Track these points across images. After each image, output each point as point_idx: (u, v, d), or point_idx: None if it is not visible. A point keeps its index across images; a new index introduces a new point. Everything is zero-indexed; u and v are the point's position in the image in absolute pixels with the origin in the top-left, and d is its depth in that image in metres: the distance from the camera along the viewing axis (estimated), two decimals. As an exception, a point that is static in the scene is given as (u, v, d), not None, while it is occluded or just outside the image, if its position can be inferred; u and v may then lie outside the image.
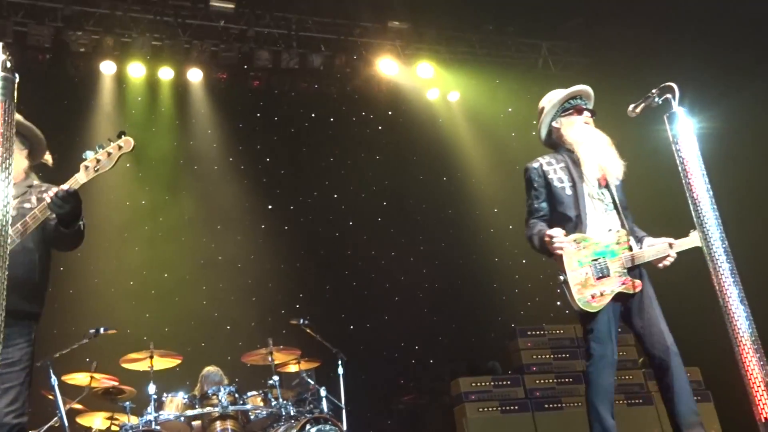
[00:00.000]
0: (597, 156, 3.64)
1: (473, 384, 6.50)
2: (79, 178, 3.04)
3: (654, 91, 3.26)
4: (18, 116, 3.30)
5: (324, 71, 8.02)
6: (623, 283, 3.48)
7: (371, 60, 8.13)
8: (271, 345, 5.55)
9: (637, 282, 3.49)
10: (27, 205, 3.15)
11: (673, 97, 3.12)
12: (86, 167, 3.05)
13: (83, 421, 5.35)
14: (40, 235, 3.10)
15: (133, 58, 7.35)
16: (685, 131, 3.02)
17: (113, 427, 5.27)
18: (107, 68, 7.34)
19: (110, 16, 7.11)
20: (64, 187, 2.98)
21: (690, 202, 2.92)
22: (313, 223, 8.17)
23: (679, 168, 2.99)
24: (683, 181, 2.98)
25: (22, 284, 3.00)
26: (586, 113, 3.74)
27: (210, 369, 5.81)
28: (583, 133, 3.69)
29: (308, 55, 7.84)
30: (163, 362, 5.40)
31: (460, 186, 8.58)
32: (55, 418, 4.89)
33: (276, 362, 5.59)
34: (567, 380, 6.68)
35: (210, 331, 7.08)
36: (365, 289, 8.06)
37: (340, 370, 5.92)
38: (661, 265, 3.55)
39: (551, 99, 3.84)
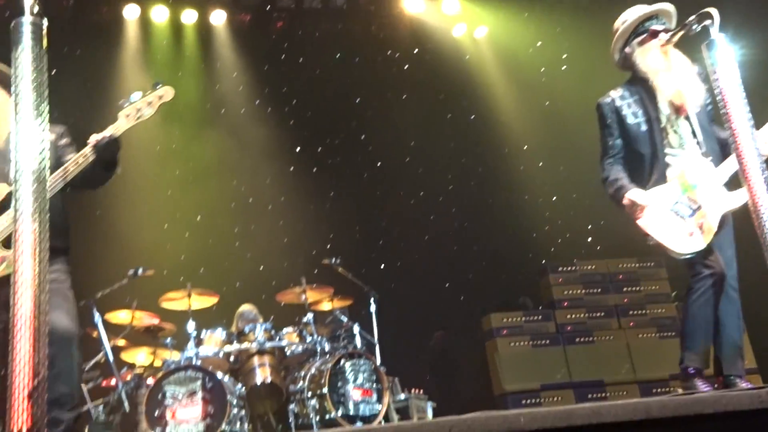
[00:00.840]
0: (673, 85, 3.44)
1: (504, 319, 6.60)
2: (120, 126, 3.12)
3: (691, 18, 3.14)
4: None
5: (347, 10, 7.90)
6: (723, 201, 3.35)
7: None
8: (304, 283, 5.67)
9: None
10: None
11: (713, 24, 2.99)
12: (127, 115, 3.13)
13: (127, 356, 5.59)
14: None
15: (156, 1, 7.31)
16: (725, 60, 2.92)
17: (156, 362, 5.50)
18: (130, 12, 7.31)
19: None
20: (107, 133, 3.06)
21: (730, 134, 2.86)
22: (341, 164, 8.18)
23: (718, 100, 2.92)
24: (722, 113, 2.91)
25: (51, 224, 3.14)
26: (663, 35, 3.45)
27: (246, 307, 5.97)
28: (657, 61, 3.48)
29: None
30: (200, 301, 5.57)
31: (488, 124, 8.47)
32: (101, 354, 5.11)
33: (309, 301, 5.71)
34: (599, 314, 6.74)
35: (244, 271, 7.22)
36: (395, 229, 8.12)
37: (372, 308, 6.05)
38: None
39: (625, 20, 3.60)
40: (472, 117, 8.51)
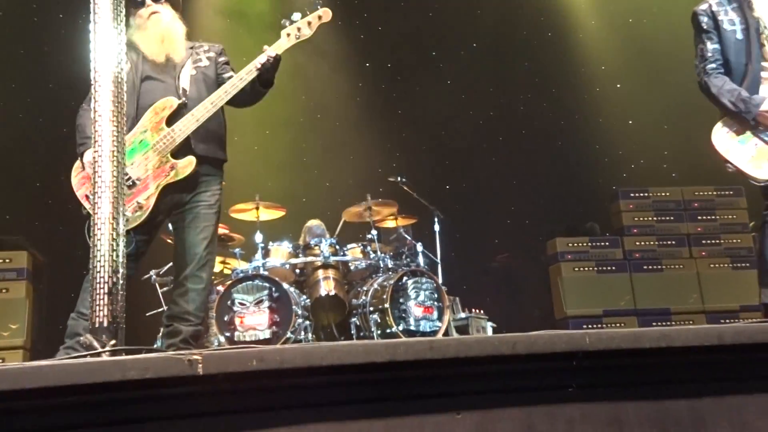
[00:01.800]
0: None
1: (570, 244, 6.55)
2: (282, 44, 3.29)
3: None
4: None
5: None
6: None
7: None
8: (369, 200, 5.72)
9: None
10: (201, 65, 3.44)
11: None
12: (288, 34, 3.30)
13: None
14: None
15: None
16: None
17: (225, 270, 5.71)
18: None
19: None
20: (271, 53, 3.25)
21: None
22: (410, 81, 8.06)
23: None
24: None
25: (214, 134, 3.41)
26: None
27: (313, 222, 6.08)
28: None
29: None
30: (268, 213, 5.71)
31: (565, 42, 8.13)
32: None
33: (374, 217, 5.78)
34: (669, 243, 6.59)
35: (310, 187, 7.32)
36: (462, 149, 8.02)
37: (436, 227, 6.09)
38: None
39: None
40: (549, 34, 8.18)
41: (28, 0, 6.74)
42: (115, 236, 2.32)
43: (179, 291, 3.28)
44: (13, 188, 5.96)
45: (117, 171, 2.37)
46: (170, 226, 3.48)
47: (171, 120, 3.21)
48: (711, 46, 3.32)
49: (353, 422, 1.63)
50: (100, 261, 2.30)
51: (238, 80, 3.24)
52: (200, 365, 1.57)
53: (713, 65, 3.31)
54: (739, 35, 3.28)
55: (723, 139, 3.23)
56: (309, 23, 3.31)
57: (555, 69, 8.15)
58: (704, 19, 3.35)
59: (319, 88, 7.81)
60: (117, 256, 2.32)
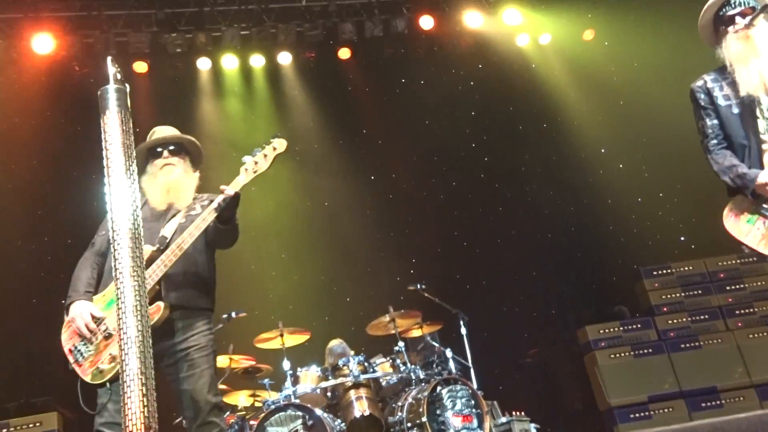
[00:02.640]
0: (752, 75, 3.24)
1: (601, 331, 6.41)
2: (240, 180, 3.29)
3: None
4: (175, 131, 3.58)
5: (408, 34, 7.95)
6: None
7: (455, 15, 7.97)
8: (392, 311, 5.67)
9: None
10: (193, 213, 3.42)
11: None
12: (246, 170, 3.31)
13: (228, 399, 5.71)
14: (205, 237, 3.33)
15: (225, 51, 7.58)
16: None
17: (256, 403, 5.59)
18: (203, 64, 7.63)
19: (199, 13, 7.35)
20: (230, 191, 3.22)
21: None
22: (416, 188, 8.20)
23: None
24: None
25: (194, 283, 3.34)
26: (739, 20, 3.25)
27: (334, 342, 6.01)
28: (733, 51, 3.29)
29: (391, 20, 7.79)
30: (293, 339, 5.65)
31: (562, 131, 8.31)
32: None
33: (399, 328, 5.71)
34: (702, 317, 6.44)
35: (332, 304, 7.31)
36: (477, 247, 8.04)
37: (463, 330, 6.00)
38: None
39: (702, 17, 3.42)
40: (544, 125, 8.37)
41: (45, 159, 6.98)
42: (145, 391, 2.28)
43: None
44: (39, 345, 5.97)
45: (142, 325, 2.36)
46: (167, 377, 3.29)
47: (148, 266, 3.15)
48: (710, 122, 3.33)
49: None
50: (131, 419, 2.24)
51: (201, 221, 3.21)
52: None
53: (714, 141, 3.31)
54: (735, 110, 3.28)
55: (733, 222, 3.20)
56: (265, 156, 3.33)
57: (556, 157, 8.30)
58: (701, 96, 3.37)
59: (328, 208, 7.94)
60: (148, 412, 2.26)
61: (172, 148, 3.47)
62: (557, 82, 8.41)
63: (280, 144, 3.36)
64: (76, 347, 3.19)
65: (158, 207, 3.38)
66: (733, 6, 3.31)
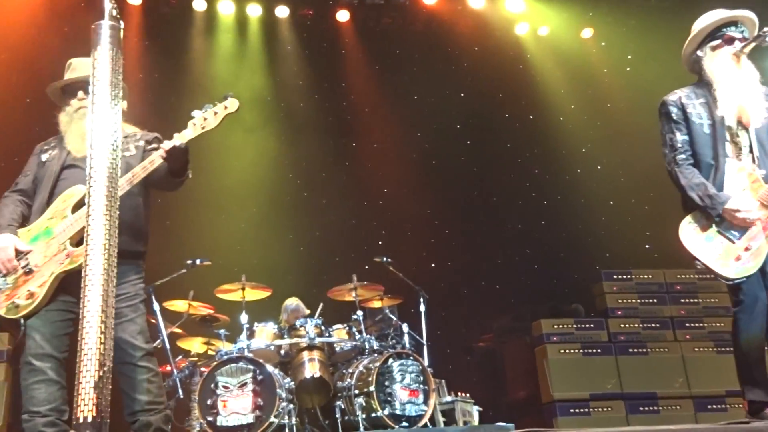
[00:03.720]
0: (736, 96, 3.32)
1: (555, 326, 6.56)
2: (187, 134, 3.26)
3: (766, 29, 3.07)
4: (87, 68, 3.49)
5: (410, 5, 7.89)
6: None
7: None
8: (355, 281, 5.71)
9: None
10: (127, 153, 3.38)
11: (789, 37, 2.92)
12: (194, 124, 3.27)
13: (183, 344, 5.74)
14: (143, 180, 3.28)
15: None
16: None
17: (210, 352, 5.63)
18: (199, 5, 7.47)
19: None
20: (177, 143, 3.19)
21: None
22: (396, 161, 8.19)
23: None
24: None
25: (129, 226, 3.28)
26: (738, 43, 3.34)
27: (290, 300, 6.06)
28: (725, 69, 3.36)
29: (394, -12, 7.73)
30: (254, 294, 5.65)
31: (547, 124, 8.36)
32: (158, 341, 5.25)
33: (360, 298, 5.75)
34: (654, 325, 6.64)
35: (297, 265, 7.31)
36: (447, 228, 8.11)
37: (422, 308, 6.05)
38: None
39: (702, 22, 3.48)
40: (531, 117, 8.42)
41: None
42: (104, 329, 2.30)
43: (130, 385, 3.16)
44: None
45: (108, 264, 2.37)
46: None
47: (77, 207, 3.16)
48: (680, 137, 3.38)
49: None
50: (87, 354, 2.26)
51: (141, 169, 3.20)
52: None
53: (683, 156, 3.36)
54: (706, 129, 3.35)
55: (690, 235, 3.26)
56: (215, 113, 3.29)
57: (537, 150, 8.36)
58: (674, 110, 3.42)
59: (305, 169, 7.91)
60: (104, 349, 2.28)
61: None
62: (550, 75, 8.43)
63: (232, 104, 3.33)
64: None
65: (77, 154, 3.31)
66: (738, 29, 3.41)
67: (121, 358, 3.15)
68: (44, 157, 3.42)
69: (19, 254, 3.15)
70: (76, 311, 3.20)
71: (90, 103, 2.48)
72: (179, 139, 3.22)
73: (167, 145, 3.19)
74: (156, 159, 3.21)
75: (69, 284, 3.11)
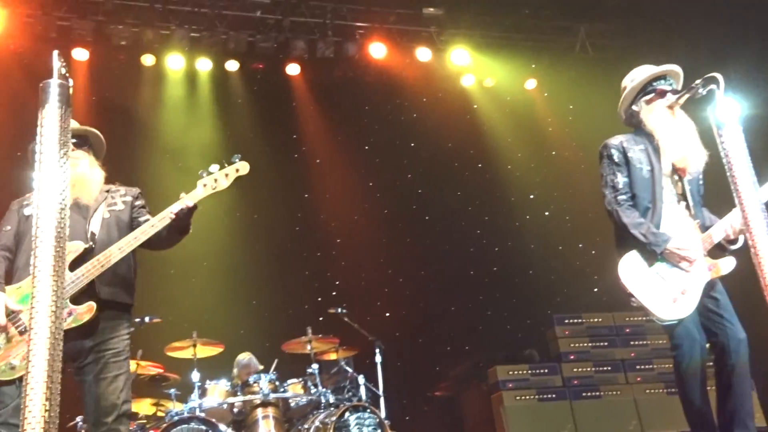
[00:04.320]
0: (678, 147, 3.44)
1: (510, 372, 6.56)
2: (197, 194, 3.28)
3: (698, 81, 3.20)
4: (77, 124, 3.48)
5: (359, 59, 8.05)
6: (709, 269, 3.33)
7: (406, 47, 8.13)
8: (310, 334, 5.67)
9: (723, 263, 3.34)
10: (115, 208, 3.41)
11: (718, 87, 3.05)
12: (204, 185, 3.31)
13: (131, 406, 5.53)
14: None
15: (172, 50, 7.49)
16: (731, 123, 2.97)
17: (159, 413, 5.44)
18: (147, 60, 7.47)
19: (150, 9, 7.22)
20: (189, 203, 3.22)
21: (734, 193, 2.89)
22: (347, 211, 8.23)
23: (723, 159, 2.96)
24: (727, 172, 2.94)
25: (122, 279, 3.31)
26: (670, 96, 3.47)
27: (242, 355, 5.96)
28: (664, 121, 3.47)
29: (343, 43, 7.88)
30: (205, 350, 5.55)
31: (495, 173, 8.55)
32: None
33: (315, 350, 5.71)
34: (606, 368, 6.70)
35: (249, 319, 7.21)
36: (400, 277, 8.13)
37: (378, 358, 6.01)
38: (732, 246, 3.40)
39: (633, 79, 3.62)
40: (479, 165, 8.59)
41: None
42: (50, 395, 2.22)
43: None
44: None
45: (55, 327, 2.30)
46: (75, 377, 3.22)
47: (75, 264, 3.13)
48: (622, 179, 3.45)
49: None
50: (31, 423, 2.17)
51: (150, 227, 3.21)
52: None
53: (624, 197, 3.43)
54: (645, 174, 3.45)
55: (630, 272, 3.31)
56: (226, 175, 3.34)
57: (487, 198, 8.52)
58: (616, 153, 3.51)
59: (257, 221, 7.86)
60: (49, 417, 2.19)
61: (74, 141, 3.33)
62: (496, 125, 8.66)
63: (243, 167, 3.38)
64: None
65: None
66: (667, 82, 3.56)
67: (94, 415, 3.11)
68: (26, 211, 3.35)
69: (10, 314, 3.06)
70: (68, 370, 3.15)
71: (38, 162, 2.44)
72: (190, 199, 3.23)
73: (176, 207, 3.20)
74: (166, 218, 3.20)
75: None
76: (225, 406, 5.22)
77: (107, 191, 3.45)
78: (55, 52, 2.48)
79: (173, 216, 3.20)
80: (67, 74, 2.49)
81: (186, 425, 4.73)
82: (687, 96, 3.43)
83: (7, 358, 3.03)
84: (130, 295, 3.36)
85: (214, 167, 3.33)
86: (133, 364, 5.35)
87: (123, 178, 3.61)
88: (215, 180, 3.32)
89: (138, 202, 3.48)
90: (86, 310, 3.08)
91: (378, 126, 8.40)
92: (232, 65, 7.81)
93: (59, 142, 2.42)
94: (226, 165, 3.36)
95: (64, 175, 2.44)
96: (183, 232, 3.34)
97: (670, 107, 3.50)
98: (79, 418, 5.00)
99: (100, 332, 3.17)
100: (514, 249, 8.36)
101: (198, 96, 7.92)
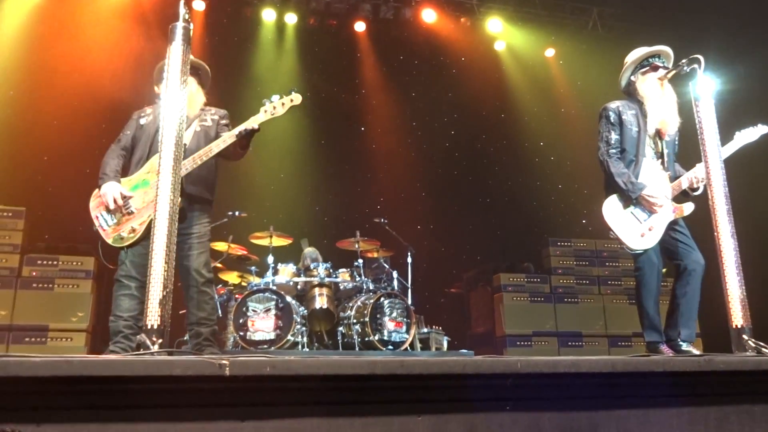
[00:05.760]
0: (661, 112, 3.41)
1: (510, 279, 6.64)
2: (259, 118, 3.27)
3: (684, 60, 3.12)
4: (194, 58, 3.54)
5: (413, 22, 7.82)
6: (674, 211, 3.36)
7: (452, 15, 7.85)
8: (358, 236, 5.79)
9: (685, 206, 3.38)
10: (205, 123, 3.44)
11: (699, 67, 2.98)
12: (265, 111, 3.29)
13: (222, 276, 5.80)
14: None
15: (267, 6, 7.43)
16: (706, 97, 2.91)
17: (243, 283, 5.71)
18: (248, 13, 7.41)
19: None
20: (253, 124, 3.20)
21: (703, 158, 2.86)
22: (394, 143, 8.20)
23: (698, 127, 2.91)
24: (699, 139, 2.89)
25: (204, 180, 3.39)
26: (661, 70, 3.43)
27: (310, 249, 6.11)
28: (654, 90, 3.43)
29: (402, 8, 7.65)
30: (279, 241, 5.72)
31: (514, 122, 8.36)
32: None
33: (361, 249, 5.85)
34: (584, 282, 6.74)
35: (313, 220, 7.37)
36: (431, 199, 8.16)
37: (409, 260, 6.12)
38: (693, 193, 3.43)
39: (633, 54, 3.57)
40: (502, 115, 8.41)
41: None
42: (167, 260, 2.38)
43: (192, 303, 3.27)
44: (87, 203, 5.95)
45: (171, 209, 2.44)
46: None
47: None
48: (615, 136, 3.43)
49: (339, 419, 1.70)
50: (155, 277, 2.35)
51: (222, 141, 3.21)
52: (227, 368, 1.62)
53: (614, 151, 3.42)
54: (634, 134, 3.42)
55: (610, 211, 3.33)
56: (283, 104, 3.30)
57: (507, 142, 8.37)
58: (612, 115, 3.46)
59: (323, 146, 7.90)
60: (168, 275, 2.36)
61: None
62: (519, 83, 8.40)
63: (297, 98, 3.34)
64: (102, 215, 3.24)
65: None
66: (661, 59, 3.51)
67: (187, 282, 3.28)
68: (142, 121, 3.44)
69: (122, 198, 3.20)
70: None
71: (164, 85, 2.53)
72: (254, 122, 3.23)
73: (241, 128, 3.19)
74: (234, 135, 3.21)
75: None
76: (291, 283, 5.43)
77: (203, 110, 3.49)
78: (182, 2, 2.54)
79: (238, 135, 3.20)
80: (189, 19, 2.55)
81: (262, 294, 4.97)
82: (674, 72, 3.35)
83: (118, 231, 3.20)
84: (211, 192, 3.42)
85: (275, 97, 3.30)
86: (225, 245, 5.60)
87: (218, 103, 3.65)
88: (274, 107, 3.28)
89: (223, 121, 3.48)
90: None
91: (424, 78, 8.22)
92: (312, 20, 7.68)
93: (181, 72, 2.51)
94: (284, 96, 3.32)
95: (183, 96, 2.54)
96: (245, 148, 3.32)
97: (660, 80, 3.43)
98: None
99: (188, 219, 3.27)
100: (523, 183, 8.28)
101: (284, 42, 7.84)
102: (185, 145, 3.27)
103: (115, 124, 3.64)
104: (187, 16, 2.47)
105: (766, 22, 6.08)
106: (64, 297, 5.25)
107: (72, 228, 5.88)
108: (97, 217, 3.24)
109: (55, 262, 5.36)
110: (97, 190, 3.27)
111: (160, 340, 2.22)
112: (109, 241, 3.20)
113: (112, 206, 3.19)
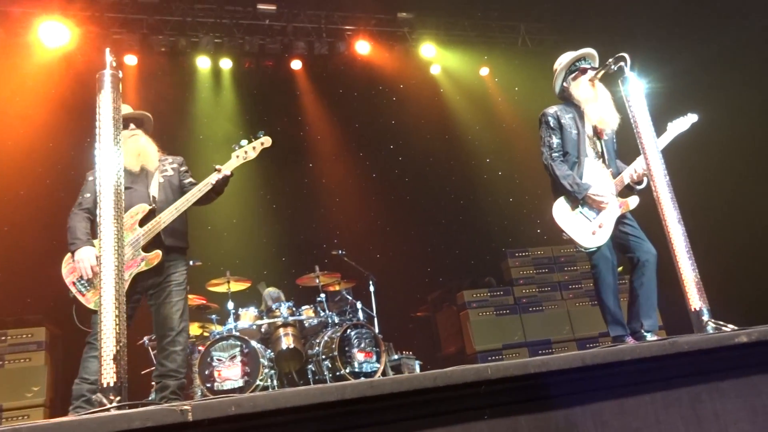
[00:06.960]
0: (598, 112, 3.49)
1: (474, 295, 6.67)
2: (232, 164, 3.33)
3: (610, 60, 3.24)
4: (131, 110, 3.49)
5: (348, 55, 7.96)
6: (620, 206, 3.43)
7: (385, 44, 8.04)
8: (317, 270, 5.74)
9: (630, 200, 3.46)
10: (166, 174, 3.46)
11: (626, 65, 3.09)
12: (237, 156, 3.35)
13: (182, 330, 5.60)
14: (181, 195, 3.37)
15: (200, 54, 7.42)
16: (636, 92, 3.02)
17: (204, 333, 5.54)
18: (182, 63, 7.38)
19: (182, 22, 7.14)
20: (227, 172, 3.28)
21: (642, 151, 2.96)
22: (343, 176, 8.23)
23: (632, 122, 3.01)
24: (635, 133, 3.00)
25: (179, 230, 3.40)
26: (591, 72, 3.51)
27: (271, 289, 6.00)
28: (587, 92, 3.51)
29: (335, 42, 7.78)
30: (237, 285, 5.61)
31: (459, 142, 8.54)
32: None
33: (322, 283, 5.78)
34: (546, 289, 6.82)
35: (270, 261, 7.27)
36: (387, 226, 8.18)
37: (371, 288, 6.10)
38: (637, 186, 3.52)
39: (561, 62, 3.66)
40: (446, 137, 8.58)
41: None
42: (118, 314, 2.28)
43: (163, 354, 3.22)
44: (33, 273, 5.68)
45: (118, 262, 2.35)
46: (149, 301, 3.35)
47: (144, 221, 3.21)
48: (556, 140, 3.49)
49: (315, 449, 1.63)
50: (106, 333, 2.24)
51: (197, 191, 3.27)
52: (190, 413, 1.55)
53: (557, 154, 3.48)
54: (573, 136, 3.50)
55: (560, 213, 3.40)
56: (254, 148, 3.36)
57: (454, 162, 8.52)
58: (551, 120, 3.54)
59: (272, 185, 7.84)
60: (120, 329, 2.26)
61: (133, 122, 3.42)
62: (457, 104, 8.63)
63: (267, 140, 3.39)
64: (78, 281, 3.16)
65: (133, 169, 3.35)
66: (587, 62, 3.62)
67: (162, 331, 3.21)
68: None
69: (98, 261, 3.11)
70: (136, 306, 3.26)
71: (97, 135, 2.46)
72: (227, 168, 3.28)
73: (213, 178, 3.25)
74: (209, 184, 3.27)
75: (134, 282, 3.15)
76: (254, 326, 5.31)
77: (159, 160, 3.49)
78: (107, 50, 2.49)
79: (213, 184, 3.26)
80: (117, 67, 2.50)
81: (225, 341, 4.82)
82: (603, 71, 3.47)
83: (98, 294, 3.09)
84: (185, 241, 3.45)
85: (243, 142, 3.34)
86: (182, 297, 5.42)
87: (167, 150, 3.62)
88: (245, 152, 3.33)
89: (182, 168, 3.53)
90: (154, 256, 3.17)
91: (365, 108, 8.33)
92: (248, 63, 7.70)
93: (113, 120, 2.44)
94: (253, 140, 3.36)
95: (117, 144, 2.47)
96: (219, 193, 3.40)
97: (591, 81, 3.53)
98: (145, 338, 5.08)
99: (166, 269, 3.27)
100: (474, 201, 8.41)
101: (222, 88, 7.83)
102: (154, 197, 3.30)
103: (66, 186, 3.54)
104: (114, 64, 2.42)
105: (691, 22, 6.45)
106: (16, 373, 4.98)
107: (18, 299, 5.60)
108: (73, 283, 3.15)
109: (3, 338, 5.09)
110: (68, 255, 3.18)
111: (118, 397, 2.10)
112: (91, 305, 3.11)
113: (89, 274, 3.11)
